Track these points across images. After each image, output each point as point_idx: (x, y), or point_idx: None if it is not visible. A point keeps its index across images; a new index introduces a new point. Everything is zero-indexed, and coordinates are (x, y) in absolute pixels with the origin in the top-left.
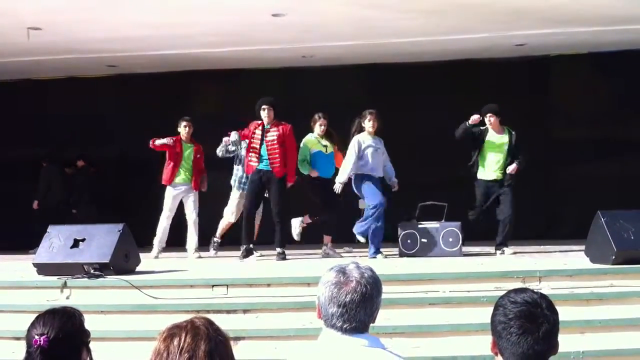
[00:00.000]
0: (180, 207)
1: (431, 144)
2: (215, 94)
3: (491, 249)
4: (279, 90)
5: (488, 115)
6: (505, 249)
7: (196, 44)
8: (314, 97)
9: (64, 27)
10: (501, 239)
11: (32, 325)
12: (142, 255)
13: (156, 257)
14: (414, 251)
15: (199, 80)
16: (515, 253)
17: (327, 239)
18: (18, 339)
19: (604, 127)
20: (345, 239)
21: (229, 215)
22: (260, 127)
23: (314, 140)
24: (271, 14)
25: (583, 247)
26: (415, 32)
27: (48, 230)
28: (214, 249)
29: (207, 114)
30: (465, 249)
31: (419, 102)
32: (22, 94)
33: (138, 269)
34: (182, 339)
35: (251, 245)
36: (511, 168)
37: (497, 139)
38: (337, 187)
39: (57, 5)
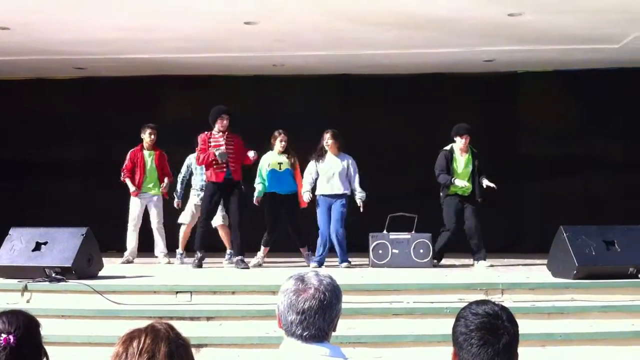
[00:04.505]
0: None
1: (400, 155)
2: (184, 99)
3: (463, 261)
4: (249, 98)
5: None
6: (482, 261)
7: (166, 49)
8: (284, 106)
9: (32, 28)
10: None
11: None
12: (105, 260)
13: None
14: (385, 261)
15: (168, 85)
16: (492, 266)
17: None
18: None
19: (568, 144)
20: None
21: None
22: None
23: (269, 158)
24: (244, 22)
25: (546, 262)
26: (387, 44)
27: (9, 232)
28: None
29: (176, 120)
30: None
31: (389, 113)
32: None
33: (101, 273)
34: (142, 341)
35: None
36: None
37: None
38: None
39: (26, 6)
